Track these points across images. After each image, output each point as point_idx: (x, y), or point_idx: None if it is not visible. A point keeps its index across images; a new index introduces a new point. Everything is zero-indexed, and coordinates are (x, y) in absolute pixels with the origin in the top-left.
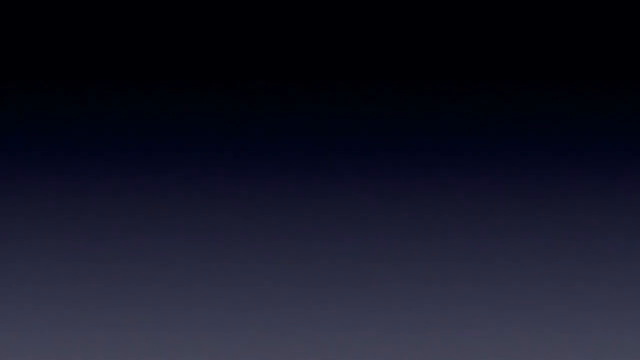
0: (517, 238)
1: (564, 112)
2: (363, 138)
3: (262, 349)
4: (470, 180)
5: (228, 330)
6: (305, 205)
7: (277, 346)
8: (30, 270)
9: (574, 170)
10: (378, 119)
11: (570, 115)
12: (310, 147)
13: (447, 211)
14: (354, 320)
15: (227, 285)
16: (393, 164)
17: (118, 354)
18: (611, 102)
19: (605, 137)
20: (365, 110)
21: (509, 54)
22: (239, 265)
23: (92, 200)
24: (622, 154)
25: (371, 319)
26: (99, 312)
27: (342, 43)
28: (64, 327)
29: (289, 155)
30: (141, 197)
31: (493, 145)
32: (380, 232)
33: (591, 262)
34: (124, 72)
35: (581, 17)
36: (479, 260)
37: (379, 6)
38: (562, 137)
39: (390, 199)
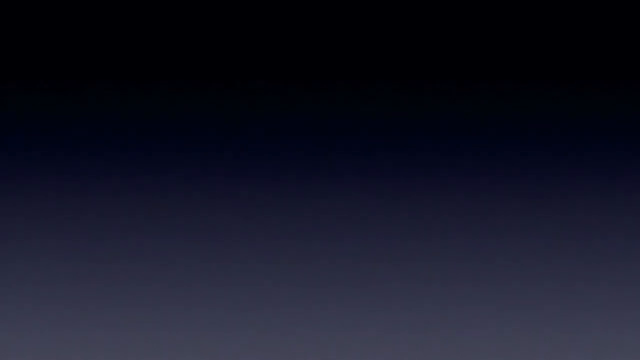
0: (517, 238)
1: (564, 112)
2: (363, 138)
3: (262, 349)
4: (470, 180)
5: (228, 330)
6: (305, 205)
7: (277, 346)
8: (30, 270)
9: (574, 170)
10: (378, 119)
11: (570, 115)
12: (310, 147)
13: (447, 211)
14: (354, 320)
15: (227, 285)
16: (393, 164)
17: (118, 354)
18: (611, 102)
19: (605, 137)
20: (365, 110)
21: (509, 54)
22: (239, 265)
23: (92, 200)
24: (622, 154)
25: (371, 319)
26: (99, 312)
27: (342, 43)
28: (64, 327)
29: (289, 155)
30: (141, 197)
31: (493, 145)
32: (380, 232)
33: (591, 262)
34: (124, 72)
35: (581, 17)
36: (479, 260)
37: (379, 6)
38: (562, 137)
39: (390, 199)
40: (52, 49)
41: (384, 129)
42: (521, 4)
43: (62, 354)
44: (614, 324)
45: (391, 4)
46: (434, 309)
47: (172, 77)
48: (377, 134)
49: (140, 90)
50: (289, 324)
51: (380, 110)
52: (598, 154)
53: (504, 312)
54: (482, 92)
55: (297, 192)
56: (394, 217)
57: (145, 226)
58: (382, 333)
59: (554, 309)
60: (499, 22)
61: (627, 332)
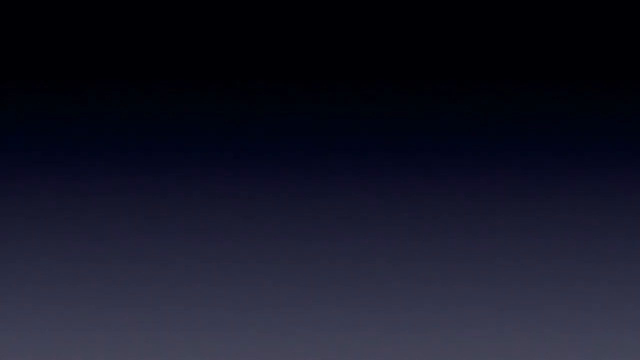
0: (517, 238)
1: (564, 112)
2: (363, 138)
3: (262, 349)
4: (470, 180)
5: (228, 330)
6: (305, 205)
7: (277, 346)
8: (30, 270)
9: (574, 170)
10: (378, 119)
11: (570, 115)
12: (310, 147)
13: (447, 211)
14: (354, 320)
15: (227, 285)
16: (393, 164)
17: (118, 354)
18: (611, 102)
19: (605, 137)
20: (365, 110)
21: (509, 54)
22: (239, 265)
23: (92, 200)
24: (622, 154)
25: (371, 319)
26: (99, 312)
27: (342, 43)
28: (64, 327)
29: (289, 155)
30: (141, 197)
31: (493, 145)
32: (380, 232)
33: (591, 262)
34: (124, 72)
35: (581, 17)
36: (479, 260)
37: (379, 6)
38: (562, 137)
39: (390, 199)
40: (52, 49)
41: (384, 129)
42: (521, 4)
43: (62, 354)
44: (614, 324)
45: (391, 4)
46: (434, 309)
47: (172, 77)
48: (377, 134)
49: (140, 90)
50: (289, 324)
51: (380, 110)
52: (598, 154)
53: (504, 312)
54: (482, 92)
55: (297, 192)
56: (394, 217)
57: (145, 226)
58: (382, 333)
59: (554, 309)
60: (499, 22)
61: (627, 332)
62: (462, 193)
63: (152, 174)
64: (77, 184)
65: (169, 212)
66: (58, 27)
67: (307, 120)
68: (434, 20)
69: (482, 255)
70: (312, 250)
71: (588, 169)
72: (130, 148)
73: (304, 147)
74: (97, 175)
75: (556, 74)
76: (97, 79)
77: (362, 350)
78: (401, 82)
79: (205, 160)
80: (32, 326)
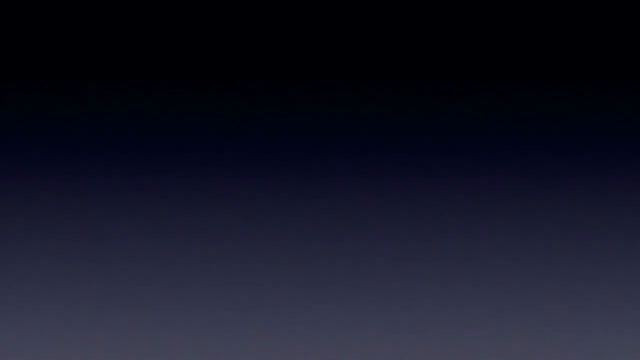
0: (517, 238)
1: (564, 112)
2: (363, 138)
3: (262, 349)
4: (470, 180)
5: (228, 330)
6: (305, 205)
7: (277, 346)
8: (30, 270)
9: (574, 170)
10: (378, 119)
11: (570, 115)
12: (310, 147)
13: (447, 211)
14: (354, 320)
15: (227, 285)
16: (393, 164)
17: (118, 354)
18: (611, 102)
19: (605, 137)
20: (365, 110)
21: (509, 54)
22: (239, 265)
23: (92, 200)
24: (622, 154)
25: (371, 319)
26: (99, 312)
27: (342, 43)
28: (64, 327)
29: (289, 155)
30: (141, 197)
31: (493, 145)
32: (380, 232)
33: (591, 262)
34: (124, 72)
35: (581, 17)
36: (479, 260)
37: (379, 6)
38: (562, 137)
39: (390, 199)
40: (52, 49)
41: (384, 129)
42: (521, 4)
43: (62, 354)
44: (614, 324)
45: (391, 4)
46: (434, 309)
47: (172, 77)
48: (377, 134)
49: (140, 90)
50: (289, 324)
51: (380, 110)
52: (598, 154)
53: (504, 312)
54: (482, 92)
55: (297, 192)
56: (394, 217)
57: (145, 226)
58: (382, 333)
59: (554, 309)
60: (499, 22)
61: (627, 332)
62: (462, 193)
63: (152, 174)
64: (77, 184)
65: (169, 212)
66: (58, 27)
67: (307, 120)
68: (434, 20)
69: (482, 255)
70: (312, 250)
71: (588, 169)
72: (130, 148)
73: (304, 147)
74: (97, 175)
75: (556, 74)
76: (97, 79)
77: (362, 350)
78: (401, 82)
79: (205, 160)
80: (32, 326)
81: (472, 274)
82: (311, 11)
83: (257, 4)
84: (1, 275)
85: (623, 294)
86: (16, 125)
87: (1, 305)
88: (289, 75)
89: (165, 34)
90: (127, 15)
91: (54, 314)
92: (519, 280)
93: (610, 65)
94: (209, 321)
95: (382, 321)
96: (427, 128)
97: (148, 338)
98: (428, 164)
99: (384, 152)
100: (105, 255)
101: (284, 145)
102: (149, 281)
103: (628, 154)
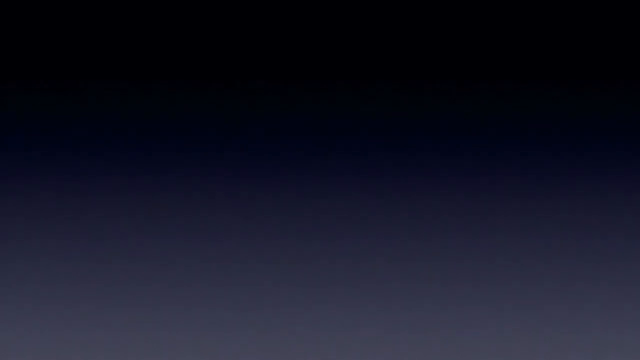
0: (517, 238)
1: (564, 112)
2: (363, 138)
3: (262, 349)
4: (470, 180)
5: (228, 330)
6: (305, 205)
7: (277, 346)
8: (30, 270)
9: (574, 170)
10: (378, 119)
11: (570, 115)
12: (310, 147)
13: (447, 211)
14: (354, 320)
15: (227, 285)
16: (393, 164)
17: (118, 354)
18: (611, 102)
19: (605, 137)
20: (365, 110)
21: (509, 54)
22: (239, 265)
23: (92, 200)
24: (622, 154)
25: (371, 319)
26: (99, 312)
27: (342, 43)
28: (64, 327)
29: (289, 155)
30: (141, 197)
31: (493, 145)
32: (380, 232)
33: (591, 262)
34: (124, 72)
35: (581, 17)
36: (479, 260)
37: (379, 6)
38: (562, 137)
39: (390, 199)
40: (52, 49)
41: (384, 129)
42: (521, 4)
43: (62, 354)
44: (614, 324)
45: (391, 4)
46: (434, 309)
47: (172, 77)
48: (377, 134)
49: (140, 90)
50: (289, 324)
51: (380, 110)
52: (598, 154)
53: (504, 312)
54: (482, 92)
55: (297, 192)
56: (394, 217)
57: (145, 226)
58: (382, 333)
59: (554, 309)
60: (499, 22)
61: (627, 332)
62: (462, 193)
63: (152, 174)
64: (77, 184)
65: (169, 212)
66: (58, 27)
67: (307, 120)
68: (434, 20)
69: (482, 255)
70: (312, 250)
71: (588, 169)
72: (130, 148)
73: (304, 147)
74: (97, 175)
75: (556, 74)
76: (97, 79)
77: (362, 350)
78: (401, 82)
79: (205, 160)
80: (32, 326)
81: (472, 274)
82: (311, 11)
83: (257, 4)
84: (1, 275)
85: (623, 294)
86: (16, 125)
87: (1, 305)
88: (289, 75)
89: (165, 34)
90: (127, 15)
91: (54, 314)
92: (519, 280)
93: (610, 65)
94: (209, 321)
95: (382, 321)
96: (427, 128)
97: (148, 338)
98: (428, 164)
99: (384, 152)
100: (105, 255)
101: (284, 145)
102: (149, 281)
103: (628, 154)
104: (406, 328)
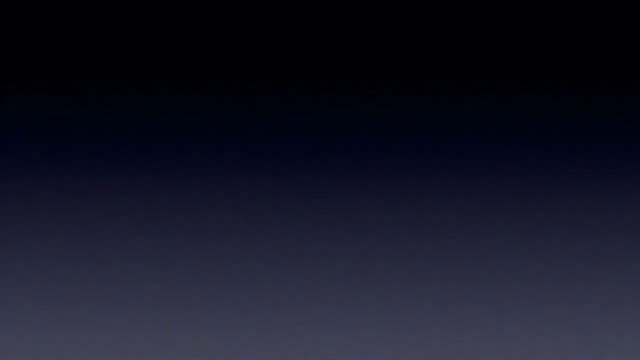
0: (517, 238)
1: (564, 112)
2: (363, 138)
3: (262, 349)
4: (470, 180)
5: (228, 330)
6: (305, 205)
7: (277, 346)
8: (30, 270)
9: (574, 170)
10: (378, 119)
11: (570, 115)
12: (310, 147)
13: (447, 211)
14: (354, 320)
15: (227, 285)
16: (393, 164)
17: (118, 354)
18: (611, 102)
19: (605, 137)
20: (365, 110)
21: (509, 54)
22: (239, 265)
23: (92, 200)
24: (622, 154)
25: (371, 319)
26: (99, 312)
27: (342, 43)
28: (64, 327)
29: (289, 155)
30: (141, 197)
31: (493, 145)
32: (380, 232)
33: (591, 262)
34: (124, 72)
35: (581, 17)
36: (479, 260)
37: (379, 6)
38: (562, 137)
39: (390, 199)
40: (52, 49)
41: (384, 129)
42: (521, 4)
43: (62, 354)
44: (614, 324)
45: (391, 4)
46: (434, 309)
47: (172, 77)
48: (377, 134)
49: (140, 90)
50: (289, 324)
51: (380, 110)
52: (598, 154)
53: (504, 312)
54: (482, 92)
55: (297, 192)
56: (394, 217)
57: (145, 226)
58: (382, 333)
59: (554, 309)
60: (499, 22)
61: (627, 332)
62: (462, 193)
63: (152, 174)
64: (77, 184)
65: (169, 212)
66: (58, 27)
67: (307, 120)
68: (434, 20)
69: (482, 255)
70: (312, 250)
71: (588, 169)
72: (130, 148)
73: (304, 147)
74: (97, 175)
75: (556, 74)
76: (97, 79)
77: (362, 350)
78: (401, 82)
79: (205, 160)
80: (32, 326)
81: (472, 274)
82: (311, 11)
83: (257, 4)
84: (1, 275)
85: (623, 294)
86: (16, 125)
87: (1, 305)
88: (289, 75)
89: (165, 34)
90: (127, 15)
91: (54, 314)
92: (519, 280)
93: (610, 65)
94: (209, 321)
95: (382, 321)
96: (427, 128)
97: (148, 338)
98: (428, 164)
99: (384, 152)
100: (105, 255)
101: (284, 145)
102: (149, 281)
103: (628, 154)
104: (406, 328)
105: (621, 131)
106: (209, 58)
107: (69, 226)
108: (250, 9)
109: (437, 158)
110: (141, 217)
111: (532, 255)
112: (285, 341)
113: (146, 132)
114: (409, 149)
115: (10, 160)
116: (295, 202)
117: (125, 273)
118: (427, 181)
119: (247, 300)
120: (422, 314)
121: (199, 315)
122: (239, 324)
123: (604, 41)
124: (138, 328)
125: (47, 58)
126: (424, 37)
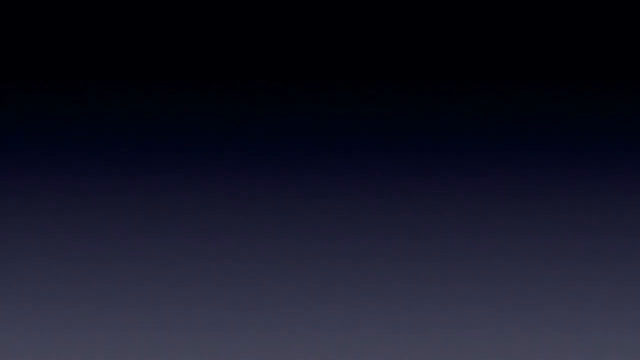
0: (517, 238)
1: (564, 112)
2: (363, 138)
3: (262, 349)
4: (470, 180)
5: (228, 330)
6: (305, 205)
7: (277, 346)
8: (30, 270)
9: (574, 170)
10: (378, 119)
11: (570, 115)
12: (310, 147)
13: (447, 211)
14: (354, 320)
15: (227, 285)
16: (393, 164)
17: (118, 354)
18: (611, 102)
19: (605, 137)
20: (365, 110)
21: (509, 54)
22: (239, 265)
23: (92, 200)
24: (622, 154)
25: (371, 319)
26: (99, 312)
27: (342, 43)
28: (64, 327)
29: (289, 155)
30: (141, 197)
31: (493, 145)
32: (380, 232)
33: (591, 262)
34: (124, 72)
35: (581, 17)
36: (479, 260)
37: (379, 6)
38: (562, 137)
39: (390, 199)
40: (52, 49)
41: (384, 129)
42: (521, 4)
43: (62, 354)
44: (614, 324)
45: (391, 4)
46: (434, 309)
47: (172, 77)
48: (377, 134)
49: (140, 90)
50: (289, 324)
51: (380, 110)
52: (598, 154)
53: (504, 312)
54: (482, 92)
55: (297, 192)
56: (394, 217)
57: (145, 226)
58: (382, 333)
59: (554, 309)
60: (499, 22)
61: (627, 332)
62: (462, 193)
63: (152, 174)
64: (77, 184)
65: (169, 212)
66: (58, 27)
67: (307, 120)
68: (434, 20)
69: (482, 255)
70: (312, 250)
71: (588, 169)
72: (130, 148)
73: (304, 147)
74: (97, 175)
75: (556, 74)
76: (97, 79)
77: (362, 350)
78: (401, 82)
79: (205, 160)
80: (32, 326)
81: (472, 274)
82: (311, 11)
83: (257, 4)
84: (1, 275)
85: (623, 294)
86: (16, 125)
87: (1, 305)
88: (289, 75)
89: (165, 34)
90: (127, 15)
91: (54, 314)
92: (519, 280)
93: (610, 65)
94: (209, 321)
95: (382, 321)
96: (427, 128)
97: (148, 338)
98: (428, 164)
99: (384, 152)
100: (105, 255)
101: (284, 145)
102: (149, 281)
103: (628, 154)
104: (406, 328)
105: (621, 131)
106: (209, 58)
107: (69, 226)
108: (250, 9)
109: (437, 158)
110: (141, 217)
111: (532, 255)
112: (285, 341)
113: (146, 132)
114: (408, 149)
115: (10, 160)
116: (295, 202)
117: (125, 273)
118: (427, 181)
119: (247, 300)
120: (422, 314)
121: (199, 315)
122: (239, 324)
123: (604, 41)
124: (138, 328)
125: (47, 58)
126: (424, 37)
